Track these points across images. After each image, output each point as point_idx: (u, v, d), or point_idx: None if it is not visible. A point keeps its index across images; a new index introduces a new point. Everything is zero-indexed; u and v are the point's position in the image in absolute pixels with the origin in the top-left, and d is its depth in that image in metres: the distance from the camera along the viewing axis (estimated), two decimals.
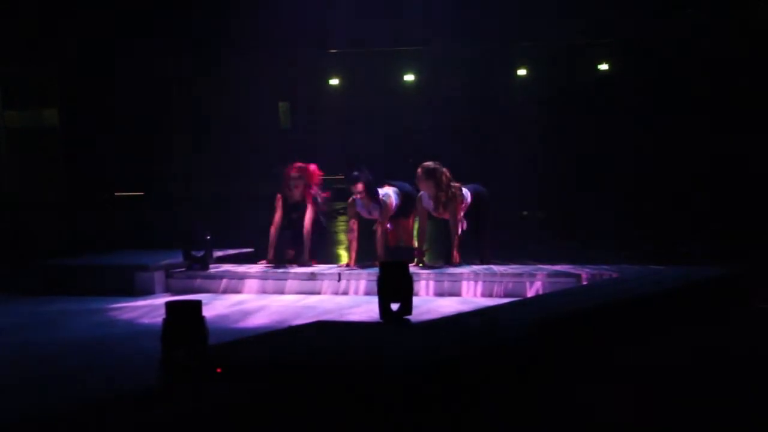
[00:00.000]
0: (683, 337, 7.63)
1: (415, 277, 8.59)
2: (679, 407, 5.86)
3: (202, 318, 5.12)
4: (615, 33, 23.80)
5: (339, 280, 10.18)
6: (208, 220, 11.13)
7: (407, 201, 10.93)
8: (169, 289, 10.48)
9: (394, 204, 10.82)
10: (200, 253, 10.62)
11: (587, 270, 9.74)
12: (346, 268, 10.44)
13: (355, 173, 10.86)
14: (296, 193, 10.97)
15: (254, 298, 10.04)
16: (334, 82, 26.85)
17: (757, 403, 5.80)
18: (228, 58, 24.30)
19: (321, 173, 11.26)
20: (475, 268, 10.22)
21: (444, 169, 10.50)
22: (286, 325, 7.40)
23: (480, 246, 10.70)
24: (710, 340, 7.53)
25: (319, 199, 11.06)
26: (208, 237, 10.68)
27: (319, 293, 10.15)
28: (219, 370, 5.18)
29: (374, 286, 6.98)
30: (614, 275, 9.25)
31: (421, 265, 10.35)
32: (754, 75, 21.83)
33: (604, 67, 25.02)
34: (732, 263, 10.93)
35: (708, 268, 9.50)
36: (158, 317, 5.34)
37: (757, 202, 19.01)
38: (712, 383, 6.25)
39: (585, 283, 9.33)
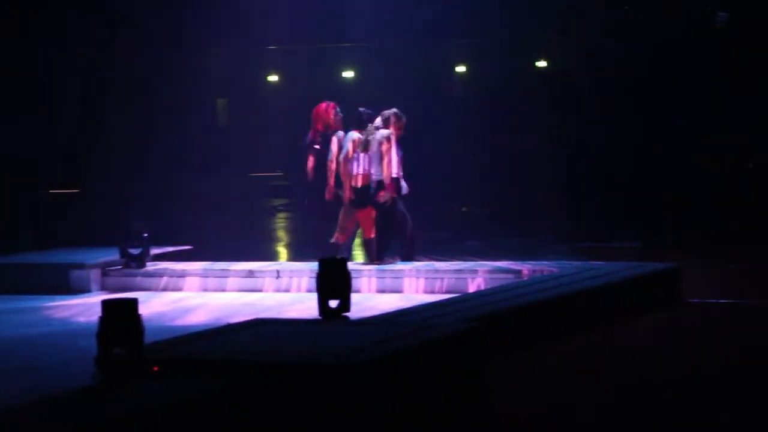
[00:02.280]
0: (607, 332, 7.72)
1: (356, 274, 8.57)
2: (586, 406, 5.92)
3: (139, 316, 5.06)
4: (553, 29, 24.00)
5: (278, 277, 10.13)
6: (145, 217, 11.00)
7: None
8: (105, 287, 10.37)
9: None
10: (137, 251, 10.51)
11: (528, 266, 9.81)
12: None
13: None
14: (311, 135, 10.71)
15: (194, 296, 9.96)
16: (272, 78, 26.75)
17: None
18: (164, 54, 24.08)
19: (327, 112, 10.88)
20: (417, 264, 10.23)
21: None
22: (225, 322, 7.34)
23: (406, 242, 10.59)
24: (628, 339, 7.62)
25: (315, 145, 10.78)
26: (146, 234, 10.57)
27: (260, 290, 10.10)
28: (156, 369, 5.13)
29: (314, 283, 6.96)
30: (554, 271, 9.32)
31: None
32: (693, 67, 22.13)
33: (542, 63, 25.23)
34: (666, 258, 11.08)
35: (643, 263, 9.62)
36: (94, 316, 5.27)
37: (694, 196, 19.28)
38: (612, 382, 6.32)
39: (525, 278, 9.39)
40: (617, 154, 22.46)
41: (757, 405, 5.77)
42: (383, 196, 10.39)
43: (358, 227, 10.77)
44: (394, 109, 10.82)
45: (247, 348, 5.68)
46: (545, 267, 9.65)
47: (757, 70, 21.22)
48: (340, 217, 10.59)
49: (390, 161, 10.41)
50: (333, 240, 10.60)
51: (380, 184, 10.42)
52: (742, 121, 21.42)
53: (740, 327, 8.03)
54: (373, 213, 10.45)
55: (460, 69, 25.72)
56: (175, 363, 5.26)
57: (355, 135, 10.60)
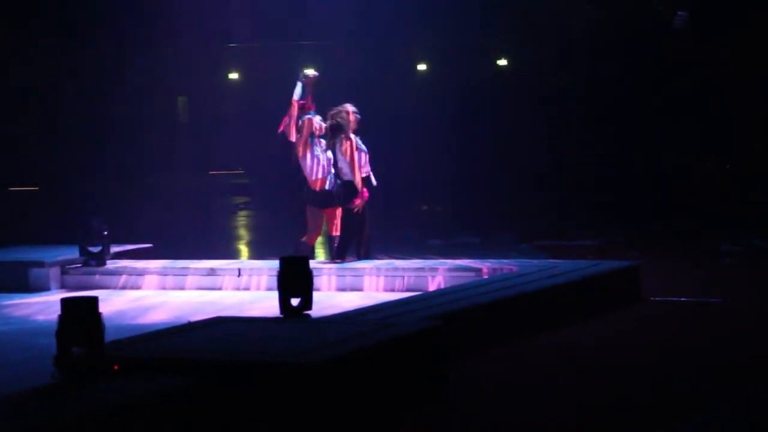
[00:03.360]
0: (567, 331, 7.78)
1: (316, 272, 8.57)
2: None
3: (99, 314, 5.04)
4: (513, 29, 24.11)
5: (239, 275, 10.11)
6: (105, 215, 10.94)
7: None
8: (64, 286, 10.30)
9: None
10: (97, 249, 10.45)
11: (488, 264, 9.85)
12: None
13: None
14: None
15: (153, 294, 9.92)
16: (233, 76, 26.66)
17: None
18: (124, 50, 23.93)
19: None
20: (377, 262, 10.25)
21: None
22: (185, 321, 7.33)
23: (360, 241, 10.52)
24: (588, 338, 7.70)
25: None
26: (106, 232, 10.51)
27: (220, 289, 10.08)
28: (116, 368, 5.11)
29: (275, 282, 6.96)
30: (514, 269, 9.37)
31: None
32: (653, 66, 22.31)
33: (502, 62, 25.33)
34: (627, 256, 11.19)
35: (604, 261, 9.70)
36: (54, 314, 5.25)
37: (656, 193, 19.46)
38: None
39: (486, 276, 9.44)
40: (582, 152, 22.61)
41: (726, 403, 5.83)
42: (357, 204, 10.26)
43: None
44: (349, 105, 10.66)
45: (208, 346, 5.68)
46: (505, 265, 9.70)
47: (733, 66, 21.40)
48: (308, 217, 10.53)
49: (354, 162, 10.31)
50: (304, 239, 10.56)
51: (349, 185, 10.31)
52: (717, 120, 21.62)
53: (703, 325, 8.12)
54: (340, 211, 10.41)
55: (422, 67, 25.77)
56: (135, 362, 5.25)
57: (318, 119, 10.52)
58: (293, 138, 10.53)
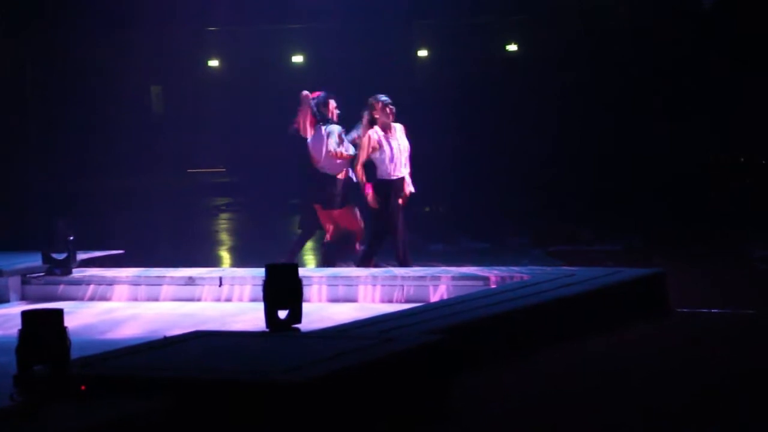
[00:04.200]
0: (583, 346, 7.78)
1: (306, 281, 8.58)
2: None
3: (64, 328, 5.04)
4: (522, 12, 24.13)
5: (220, 285, 10.11)
6: (71, 218, 10.94)
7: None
8: (25, 297, 10.29)
9: None
10: (62, 256, 10.44)
11: (496, 272, 9.84)
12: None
13: None
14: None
15: (125, 306, 9.92)
16: (213, 63, 26.65)
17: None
18: (92, 37, 23.90)
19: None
20: (373, 270, 10.25)
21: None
22: (161, 335, 7.32)
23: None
24: (611, 350, 7.70)
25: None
26: (72, 237, 10.51)
27: (199, 300, 10.07)
28: (83, 388, 5.11)
29: (260, 292, 6.95)
30: (525, 277, 9.37)
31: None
32: (662, 57, 22.37)
33: (512, 47, 25.35)
34: (651, 263, 11.20)
35: (624, 269, 9.69)
36: (13, 328, 5.24)
37: (680, 195, 19.46)
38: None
39: (494, 286, 9.43)
40: (596, 148, 22.62)
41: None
42: (371, 201, 10.66)
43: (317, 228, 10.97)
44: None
45: (186, 364, 5.68)
46: (516, 273, 9.70)
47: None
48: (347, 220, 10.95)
49: (360, 159, 10.69)
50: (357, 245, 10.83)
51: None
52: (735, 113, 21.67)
53: (735, 340, 8.10)
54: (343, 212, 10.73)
55: (422, 53, 25.77)
56: (105, 381, 5.24)
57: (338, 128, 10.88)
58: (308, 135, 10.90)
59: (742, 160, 22.40)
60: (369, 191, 10.73)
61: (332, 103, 11.25)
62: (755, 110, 21.41)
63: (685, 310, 9.09)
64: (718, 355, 7.61)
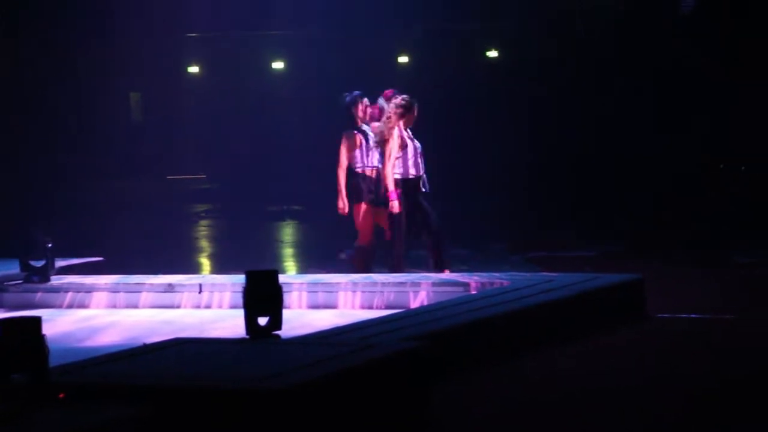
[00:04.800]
0: (562, 351, 7.80)
1: (286, 288, 8.57)
2: None
3: (42, 336, 5.02)
4: (503, 19, 24.19)
5: (200, 291, 10.09)
6: (49, 225, 10.91)
7: None
8: (3, 305, 10.26)
9: None
10: (40, 263, 10.40)
11: (476, 278, 9.86)
12: None
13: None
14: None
15: (104, 313, 9.89)
16: (193, 69, 26.60)
17: None
18: (69, 43, 23.83)
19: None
20: (353, 277, 10.25)
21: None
22: (140, 342, 7.30)
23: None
24: (590, 356, 7.72)
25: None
26: (50, 245, 10.47)
27: (178, 307, 10.05)
28: (62, 396, 5.09)
29: (240, 299, 6.94)
30: (505, 283, 9.39)
31: None
32: (642, 61, 22.47)
33: (493, 54, 25.40)
34: (629, 269, 11.22)
35: (603, 275, 9.72)
36: None
37: (659, 198, 19.53)
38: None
39: (474, 292, 9.44)
40: (575, 153, 22.69)
41: None
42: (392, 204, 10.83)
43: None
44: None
45: (166, 371, 5.66)
46: (496, 279, 9.72)
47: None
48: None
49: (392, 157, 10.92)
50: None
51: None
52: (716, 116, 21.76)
53: (713, 345, 8.13)
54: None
55: (403, 59, 25.79)
56: (84, 389, 5.23)
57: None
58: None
59: (722, 166, 22.50)
60: (395, 196, 10.75)
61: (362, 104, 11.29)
62: (739, 116, 21.52)
63: (663, 315, 9.13)
64: (698, 360, 7.63)
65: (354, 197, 11.20)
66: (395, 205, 10.81)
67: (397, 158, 10.91)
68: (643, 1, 22.57)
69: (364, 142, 11.24)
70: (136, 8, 22.77)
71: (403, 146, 10.96)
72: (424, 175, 11.13)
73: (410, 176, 10.98)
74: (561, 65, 23.10)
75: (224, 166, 25.81)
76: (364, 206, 11.18)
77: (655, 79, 22.44)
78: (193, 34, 26.02)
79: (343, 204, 11.16)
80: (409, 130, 11.14)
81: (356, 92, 11.40)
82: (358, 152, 11.22)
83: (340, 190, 11.17)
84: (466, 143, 23.77)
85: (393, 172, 10.88)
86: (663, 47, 22.30)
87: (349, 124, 11.31)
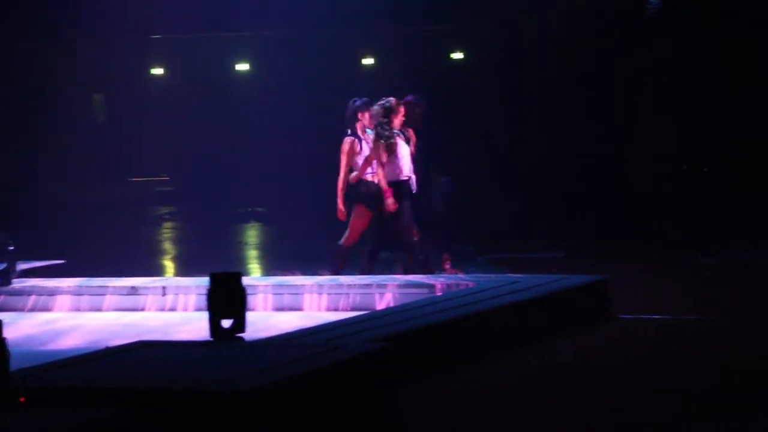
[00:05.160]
0: (527, 352, 7.82)
1: (251, 290, 8.53)
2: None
3: (4, 339, 4.98)
4: (469, 21, 24.22)
5: (164, 294, 10.04)
6: (10, 227, 10.83)
7: None
8: None
9: None
10: (2, 266, 10.32)
11: (442, 280, 9.88)
12: None
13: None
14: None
15: (67, 316, 9.82)
16: (157, 71, 26.48)
17: None
18: (30, 43, 23.65)
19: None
20: (319, 279, 10.24)
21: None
22: (103, 345, 7.26)
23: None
24: (555, 357, 7.74)
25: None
26: (12, 248, 10.39)
27: (142, 310, 10.00)
28: (22, 400, 5.04)
29: (204, 301, 6.91)
30: (470, 285, 9.40)
31: None
32: (625, 62, 22.55)
33: (458, 55, 25.43)
34: (595, 270, 11.27)
35: (568, 276, 9.76)
36: None
37: (625, 200, 19.61)
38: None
39: (440, 293, 9.45)
40: (542, 154, 22.75)
41: None
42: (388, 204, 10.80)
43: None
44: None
45: (129, 374, 5.63)
46: (461, 281, 9.73)
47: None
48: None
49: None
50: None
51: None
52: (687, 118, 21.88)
53: (675, 346, 8.18)
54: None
55: (368, 61, 25.79)
56: (45, 393, 5.18)
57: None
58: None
59: (685, 168, 22.63)
60: (389, 194, 10.76)
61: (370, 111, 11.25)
62: (703, 118, 21.66)
63: (627, 316, 9.17)
64: (664, 360, 7.67)
65: (354, 199, 11.19)
66: (390, 203, 10.79)
67: (387, 162, 10.90)
68: (607, 3, 22.67)
69: (365, 148, 11.19)
70: (100, 9, 22.63)
71: (391, 150, 10.92)
72: (413, 177, 11.09)
73: (400, 179, 10.94)
74: (526, 68, 23.15)
75: (188, 168, 25.70)
76: (361, 208, 11.15)
77: (619, 80, 22.54)
78: (157, 36, 25.89)
79: (342, 209, 11.12)
80: (402, 132, 11.10)
81: (365, 98, 11.37)
82: (359, 158, 11.17)
83: (340, 196, 11.13)
84: (430, 144, 23.76)
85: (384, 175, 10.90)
86: (627, 49, 22.39)
87: (351, 130, 11.24)
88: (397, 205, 10.80)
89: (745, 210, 17.55)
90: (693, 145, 22.10)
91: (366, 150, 11.12)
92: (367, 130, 11.24)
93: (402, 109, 11.08)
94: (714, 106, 21.57)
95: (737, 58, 21.22)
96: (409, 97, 11.52)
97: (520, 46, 23.33)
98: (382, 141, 10.91)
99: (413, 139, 11.24)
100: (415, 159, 11.19)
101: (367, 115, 11.24)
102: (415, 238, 10.88)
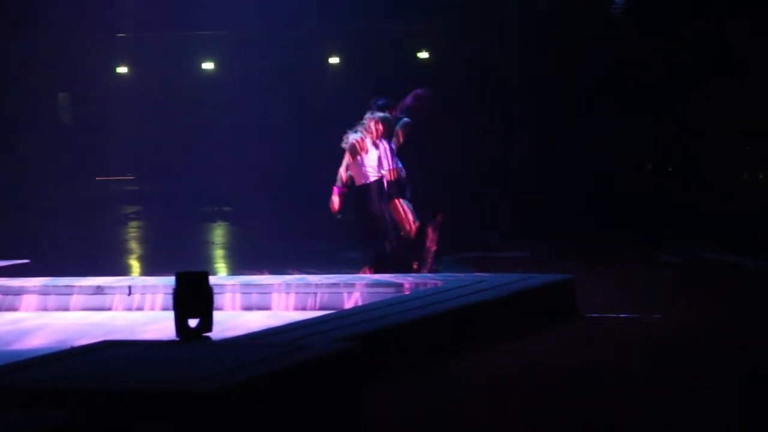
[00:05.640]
0: (494, 351, 7.83)
1: (218, 290, 8.49)
2: None
3: None
4: (434, 20, 24.25)
5: (130, 294, 9.99)
6: None
7: None
8: None
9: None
10: None
11: (410, 279, 9.88)
12: None
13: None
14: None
15: (32, 316, 9.74)
16: (122, 70, 26.36)
17: None
18: None
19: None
20: (287, 278, 10.21)
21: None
22: (69, 345, 7.21)
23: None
24: (522, 355, 7.76)
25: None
26: None
27: (109, 309, 9.94)
28: None
29: (171, 300, 6.88)
30: (438, 284, 9.40)
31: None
32: (592, 62, 22.66)
33: (423, 55, 25.46)
34: (561, 269, 11.32)
35: (534, 275, 9.79)
36: None
37: (589, 200, 19.70)
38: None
39: (407, 292, 9.45)
40: (508, 153, 22.81)
41: None
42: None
43: None
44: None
45: (94, 374, 5.58)
46: (429, 280, 9.73)
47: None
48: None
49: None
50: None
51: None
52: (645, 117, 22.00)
53: (640, 345, 8.22)
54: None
55: (334, 60, 25.78)
56: (9, 393, 5.14)
57: None
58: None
59: (649, 167, 22.77)
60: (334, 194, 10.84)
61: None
62: (666, 118, 21.80)
63: (594, 315, 9.20)
64: (629, 358, 7.70)
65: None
66: (331, 201, 10.89)
67: (353, 164, 10.94)
68: (570, 3, 22.76)
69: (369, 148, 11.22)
70: (65, 8, 22.50)
71: (359, 153, 10.96)
72: (387, 173, 11.11)
73: (367, 182, 10.97)
74: (491, 68, 23.21)
75: (153, 167, 25.60)
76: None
77: (583, 79, 22.63)
78: (122, 35, 25.78)
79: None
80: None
81: (386, 99, 11.36)
82: (364, 157, 11.17)
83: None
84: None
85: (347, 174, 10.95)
86: (591, 49, 22.49)
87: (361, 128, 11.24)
88: (336, 206, 10.88)
89: (710, 209, 17.68)
90: (657, 145, 22.24)
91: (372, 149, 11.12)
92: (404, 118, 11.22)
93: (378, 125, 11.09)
94: (678, 107, 21.71)
95: (701, 58, 21.36)
96: (418, 91, 11.48)
97: (485, 47, 23.38)
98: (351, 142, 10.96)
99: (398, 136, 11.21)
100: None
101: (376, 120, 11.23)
102: (412, 235, 10.94)
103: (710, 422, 6.00)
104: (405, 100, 11.37)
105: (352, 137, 11.11)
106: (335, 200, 11.09)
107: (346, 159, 11.10)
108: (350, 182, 11.14)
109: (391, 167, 11.12)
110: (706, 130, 21.66)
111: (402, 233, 11.07)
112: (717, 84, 21.32)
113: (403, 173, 11.23)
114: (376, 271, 10.86)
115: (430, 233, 11.14)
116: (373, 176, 11.02)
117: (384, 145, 11.14)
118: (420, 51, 25.43)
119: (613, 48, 22.29)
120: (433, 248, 10.96)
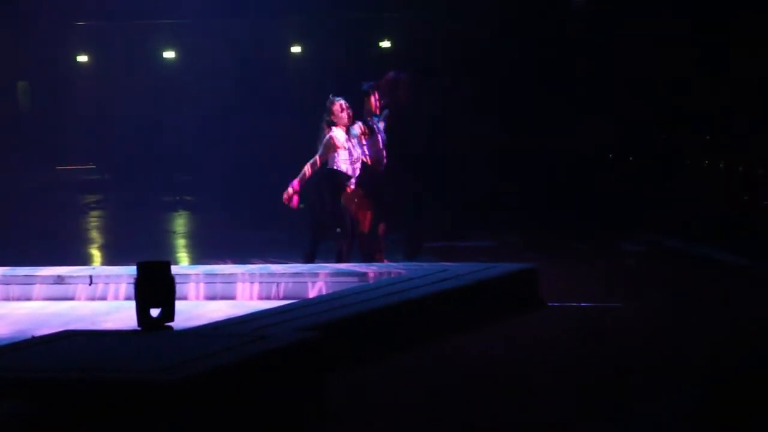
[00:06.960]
0: (457, 340, 7.85)
1: (181, 279, 8.46)
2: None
3: None
4: (396, 9, 24.23)
5: (91, 283, 9.93)
6: None
7: None
8: None
9: None
10: None
11: (374, 268, 9.88)
12: None
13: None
14: None
15: None
16: (82, 58, 26.17)
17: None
18: None
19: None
20: (251, 267, 10.18)
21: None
22: (29, 335, 7.16)
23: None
24: (484, 344, 7.79)
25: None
26: None
27: (71, 299, 9.88)
28: None
29: (133, 290, 6.85)
30: (402, 273, 9.41)
31: None
32: (552, 49, 22.72)
33: (385, 44, 25.44)
34: (523, 258, 11.37)
35: (497, 264, 9.80)
36: None
37: (552, 189, 19.76)
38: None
39: (371, 281, 9.45)
40: (471, 145, 22.84)
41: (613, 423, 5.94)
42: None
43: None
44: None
45: (56, 364, 5.55)
46: (392, 269, 9.73)
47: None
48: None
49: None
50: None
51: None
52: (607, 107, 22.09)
53: (605, 332, 8.27)
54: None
55: (296, 49, 25.70)
56: None
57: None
58: None
59: (611, 156, 22.87)
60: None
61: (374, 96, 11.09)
62: (628, 109, 21.89)
63: (556, 304, 9.24)
64: (590, 346, 7.75)
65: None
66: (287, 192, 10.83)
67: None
68: None
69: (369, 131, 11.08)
70: None
71: (335, 149, 10.87)
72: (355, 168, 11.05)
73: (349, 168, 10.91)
74: (453, 59, 23.22)
75: (114, 156, 25.44)
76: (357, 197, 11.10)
77: (544, 72, 22.69)
78: (82, 23, 25.58)
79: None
80: (374, 118, 11.05)
81: (371, 83, 11.21)
82: (341, 150, 11.02)
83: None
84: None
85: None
86: (550, 40, 22.55)
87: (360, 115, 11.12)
88: (295, 204, 10.83)
89: (671, 198, 17.79)
90: (619, 136, 22.34)
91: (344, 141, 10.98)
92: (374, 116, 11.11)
93: (343, 110, 10.92)
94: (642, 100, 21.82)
95: (664, 53, 21.49)
96: (390, 75, 11.34)
97: (448, 38, 23.39)
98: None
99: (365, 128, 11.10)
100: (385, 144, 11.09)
101: (372, 99, 11.12)
102: (363, 229, 10.89)
103: (672, 411, 6.04)
104: (380, 83, 11.22)
105: (330, 134, 10.88)
106: (294, 198, 10.90)
107: (319, 154, 10.89)
108: (315, 174, 11.02)
109: (367, 155, 11.04)
110: (666, 118, 21.80)
111: (357, 229, 10.99)
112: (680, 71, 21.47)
113: (382, 166, 11.11)
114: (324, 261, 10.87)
115: (380, 244, 11.04)
116: (345, 167, 10.90)
117: (361, 128, 10.98)
118: (382, 40, 25.40)
119: (573, 40, 22.37)
120: (383, 261, 10.87)
